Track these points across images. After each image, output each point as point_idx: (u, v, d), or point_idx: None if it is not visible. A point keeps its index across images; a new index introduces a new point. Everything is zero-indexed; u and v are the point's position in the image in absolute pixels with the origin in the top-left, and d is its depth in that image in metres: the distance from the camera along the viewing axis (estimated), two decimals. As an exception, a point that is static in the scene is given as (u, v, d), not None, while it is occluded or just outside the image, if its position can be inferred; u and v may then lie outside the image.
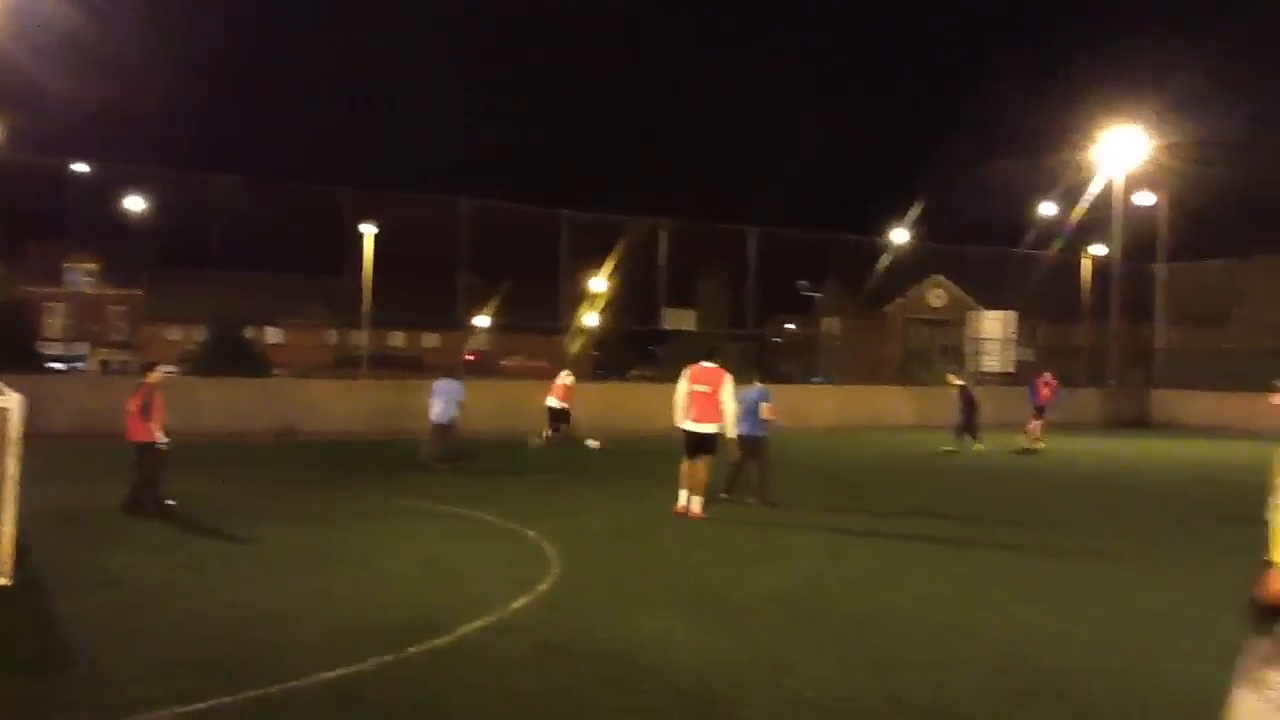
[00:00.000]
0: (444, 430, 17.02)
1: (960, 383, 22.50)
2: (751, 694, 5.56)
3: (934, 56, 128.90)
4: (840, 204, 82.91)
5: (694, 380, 11.89)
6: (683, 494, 11.92)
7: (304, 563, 8.78)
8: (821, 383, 33.93)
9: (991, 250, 36.10)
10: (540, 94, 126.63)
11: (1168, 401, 32.24)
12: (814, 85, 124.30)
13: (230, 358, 27.90)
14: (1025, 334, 35.39)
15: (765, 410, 12.82)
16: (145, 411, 10.98)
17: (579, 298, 36.59)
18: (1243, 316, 35.24)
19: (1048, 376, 23.26)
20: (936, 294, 47.14)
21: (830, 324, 40.13)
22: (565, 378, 22.14)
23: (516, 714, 5.20)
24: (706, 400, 11.78)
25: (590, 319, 39.98)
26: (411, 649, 6.13)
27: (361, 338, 32.81)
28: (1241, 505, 13.73)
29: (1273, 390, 11.87)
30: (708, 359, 12.09)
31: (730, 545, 10.25)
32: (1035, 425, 22.32)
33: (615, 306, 38.58)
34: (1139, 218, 34.93)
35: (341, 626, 6.66)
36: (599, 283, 38.11)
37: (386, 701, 5.31)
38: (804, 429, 25.52)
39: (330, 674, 5.63)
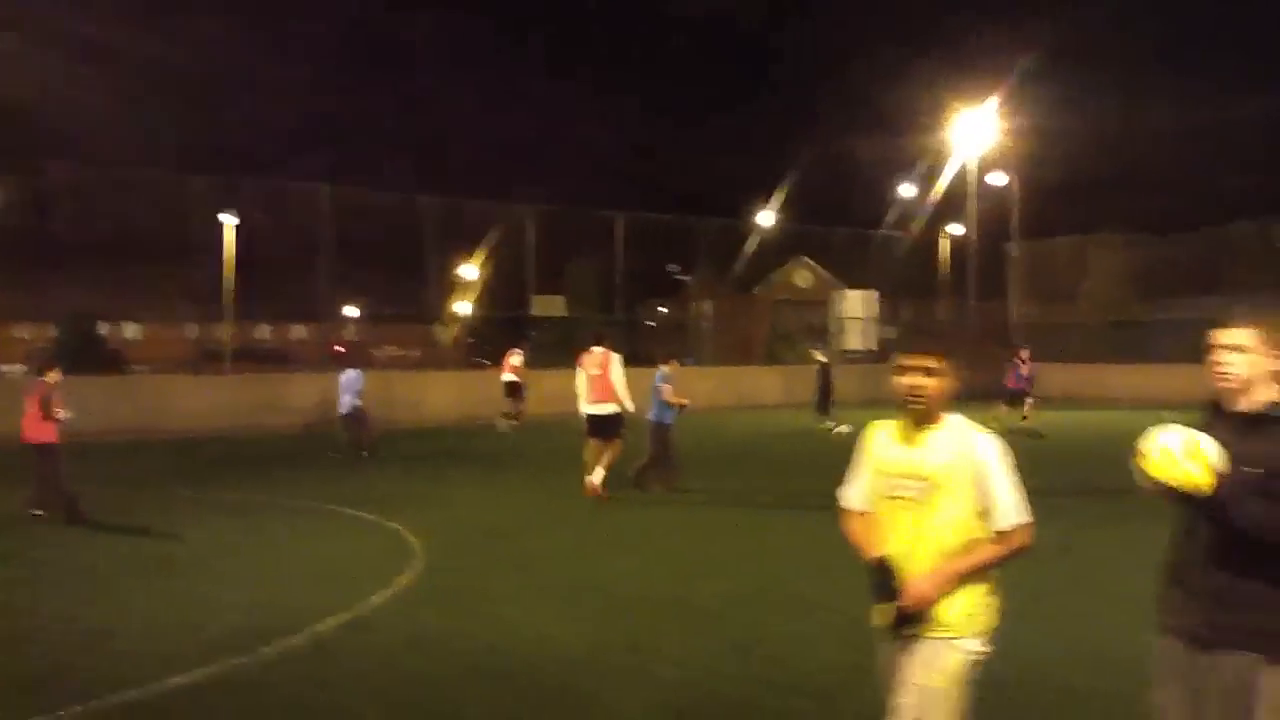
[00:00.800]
0: (347, 420, 17.23)
1: (823, 359, 22.73)
2: (614, 677, 5.64)
3: (796, 39, 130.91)
4: (709, 188, 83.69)
5: (587, 366, 12.37)
6: (597, 472, 12.01)
7: (153, 566, 8.52)
8: (693, 364, 34.30)
9: (854, 231, 37.02)
10: (407, 73, 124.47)
11: (1023, 374, 33.54)
12: (677, 71, 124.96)
13: (83, 355, 26.74)
14: (889, 312, 36.38)
15: (667, 392, 12.56)
16: (44, 411, 10.64)
17: (450, 286, 36.20)
18: (1089, 291, 37.01)
19: (1025, 354, 22.54)
20: (803, 275, 48.09)
21: (701, 307, 40.52)
22: (514, 356, 22.67)
23: (371, 710, 5.17)
24: (600, 382, 12.23)
25: (462, 307, 39.54)
26: (265, 649, 6.02)
27: (224, 331, 31.86)
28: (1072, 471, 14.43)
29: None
30: (596, 344, 12.53)
31: (604, 531, 10.34)
32: (1005, 410, 21.12)
33: (486, 294, 38.29)
34: (992, 197, 36.24)
35: (193, 630, 6.50)
36: (470, 270, 37.73)
37: (239, 705, 5.22)
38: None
39: (182, 679, 5.50)
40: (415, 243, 28.01)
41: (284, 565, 8.63)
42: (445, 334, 34.24)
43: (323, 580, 7.99)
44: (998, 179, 35.32)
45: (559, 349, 31.15)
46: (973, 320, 34.73)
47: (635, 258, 32.01)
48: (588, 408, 12.29)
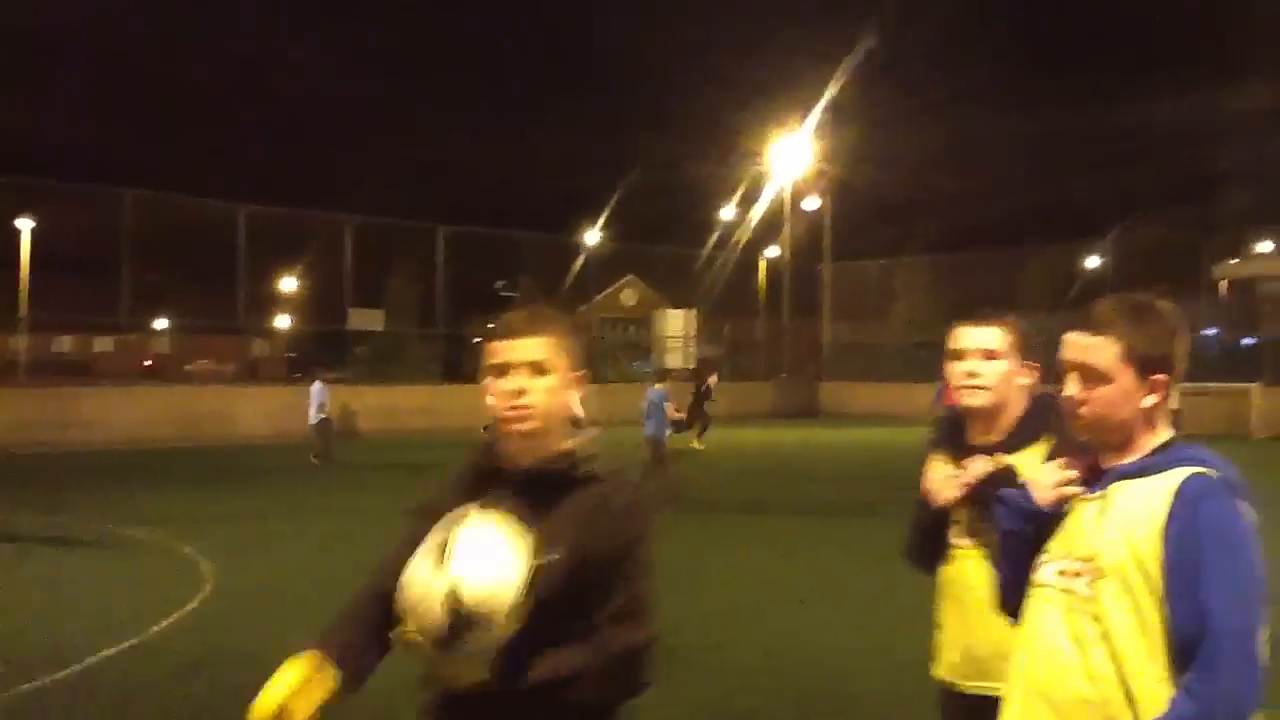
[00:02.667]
0: (315, 429, 18.42)
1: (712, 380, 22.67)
2: (404, 694, 5.59)
3: (623, 59, 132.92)
4: (536, 204, 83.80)
5: None
6: None
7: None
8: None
9: (678, 250, 37.78)
10: (226, 75, 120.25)
11: (834, 392, 34.90)
12: (511, 88, 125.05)
13: None
14: (711, 331, 37.25)
15: (671, 410, 13.76)
16: None
17: (267, 298, 35.16)
18: (898, 312, 38.82)
19: (714, 380, 23.26)
20: (629, 294, 48.76)
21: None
22: None
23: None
24: None
25: (281, 320, 38.47)
26: (24, 686, 5.74)
27: (19, 342, 30.13)
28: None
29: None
30: None
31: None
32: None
33: (304, 307, 37.35)
34: (808, 220, 37.64)
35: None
36: (289, 282, 36.78)
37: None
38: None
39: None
40: (230, 253, 27.05)
41: (63, 593, 8.25)
42: (262, 348, 33.19)
43: (107, 607, 7.69)
44: (812, 203, 36.72)
45: (378, 364, 30.69)
46: (785, 339, 36.00)
47: (459, 272, 31.82)
48: None
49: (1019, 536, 2.17)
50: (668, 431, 13.49)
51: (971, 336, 2.68)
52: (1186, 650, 1.88)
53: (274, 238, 28.62)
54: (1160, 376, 2.02)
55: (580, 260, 37.95)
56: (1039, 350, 2.63)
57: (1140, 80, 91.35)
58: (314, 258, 31.69)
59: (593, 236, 38.71)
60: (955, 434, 2.79)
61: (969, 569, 2.65)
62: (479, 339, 46.75)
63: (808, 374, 36.81)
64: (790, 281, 36.45)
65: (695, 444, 20.62)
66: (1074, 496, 2.08)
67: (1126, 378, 2.01)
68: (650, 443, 13.42)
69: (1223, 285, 33.20)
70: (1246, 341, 32.36)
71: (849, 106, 36.02)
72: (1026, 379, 2.70)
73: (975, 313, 2.73)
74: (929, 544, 2.76)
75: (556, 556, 1.95)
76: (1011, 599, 2.21)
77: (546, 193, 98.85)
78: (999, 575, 2.27)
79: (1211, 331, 33.62)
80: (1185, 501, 1.92)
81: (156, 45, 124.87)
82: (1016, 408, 2.68)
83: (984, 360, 2.65)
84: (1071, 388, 2.05)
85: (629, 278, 48.66)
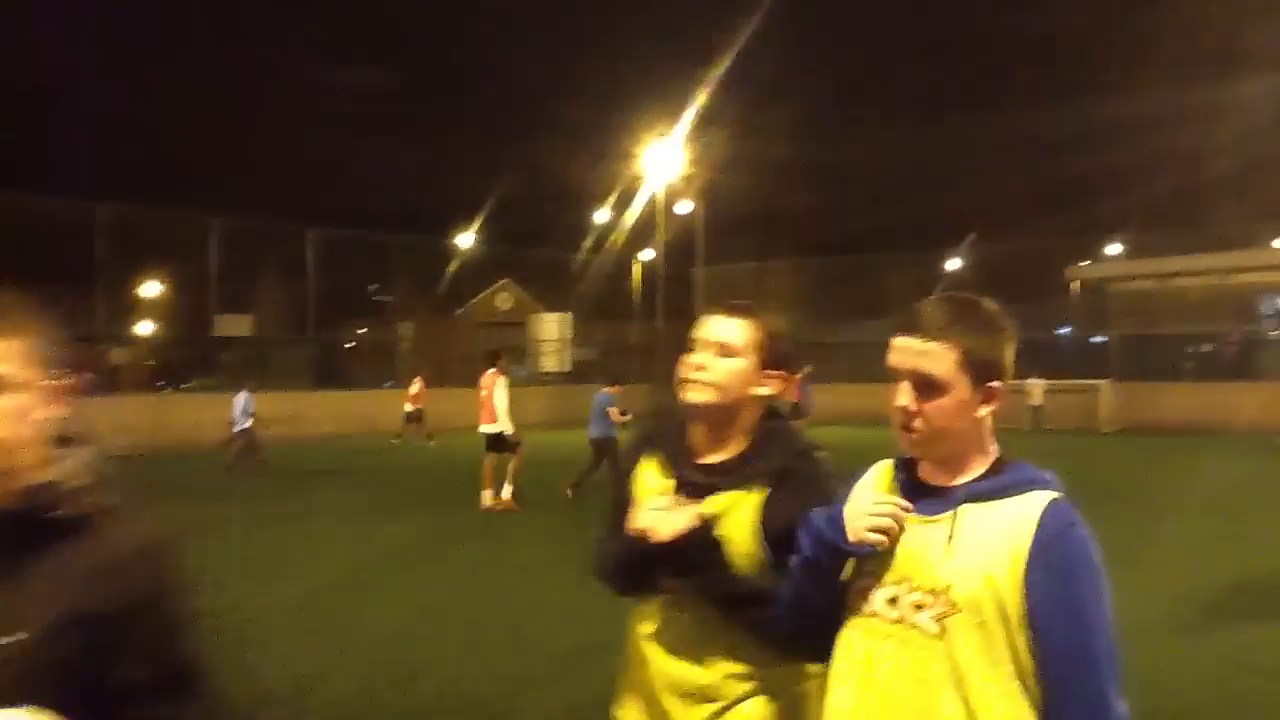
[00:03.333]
0: (239, 436, 18.82)
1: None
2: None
3: (501, 61, 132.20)
4: (410, 208, 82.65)
5: (481, 386, 13.27)
6: (485, 494, 12.97)
7: None
8: (393, 387, 33.88)
9: (553, 254, 37.89)
10: (80, 70, 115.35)
11: (710, 393, 35.32)
12: (383, 89, 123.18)
13: None
14: (585, 334, 37.46)
15: (614, 413, 14.08)
16: None
17: (127, 303, 33.94)
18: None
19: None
20: (504, 297, 48.59)
21: (401, 328, 40.08)
22: (417, 384, 25.25)
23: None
24: (486, 403, 13.13)
25: (144, 327, 37.13)
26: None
27: None
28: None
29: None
30: (490, 365, 13.30)
31: (255, 558, 10.02)
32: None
33: (168, 313, 36.18)
34: (682, 223, 38.15)
35: None
36: (151, 287, 35.57)
37: None
38: (379, 433, 25.46)
39: None
40: (88, 256, 26.00)
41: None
42: (119, 356, 32.01)
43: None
44: (685, 207, 37.26)
45: (248, 371, 29.93)
46: (660, 342, 36.43)
47: (331, 277, 31.28)
48: (482, 427, 13.26)
49: (817, 567, 1.93)
50: (614, 433, 14.04)
51: (712, 327, 2.34)
52: (1051, 691, 1.72)
53: (136, 240, 27.62)
54: (995, 385, 1.84)
55: (455, 264, 37.75)
56: (789, 360, 2.36)
57: (1003, 95, 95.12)
58: (178, 261, 30.71)
59: (467, 239, 38.54)
60: (677, 438, 2.42)
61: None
62: (350, 343, 46.03)
63: (683, 376, 37.20)
64: (664, 284, 36.92)
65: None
66: (887, 544, 1.84)
67: (963, 387, 1.82)
68: (594, 444, 14.02)
69: (1075, 286, 34.80)
70: (1097, 340, 34.07)
71: (720, 113, 36.64)
72: (766, 388, 2.33)
73: (726, 304, 2.39)
74: (637, 582, 2.38)
75: (21, 637, 1.45)
76: (806, 627, 2.00)
77: (420, 197, 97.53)
78: (787, 600, 2.03)
79: (1064, 331, 35.27)
80: (1050, 532, 1.74)
81: None
82: (748, 421, 2.33)
83: (717, 355, 2.30)
84: (904, 398, 1.84)
85: (504, 281, 48.51)
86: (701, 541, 2.16)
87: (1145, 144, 53.82)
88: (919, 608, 1.80)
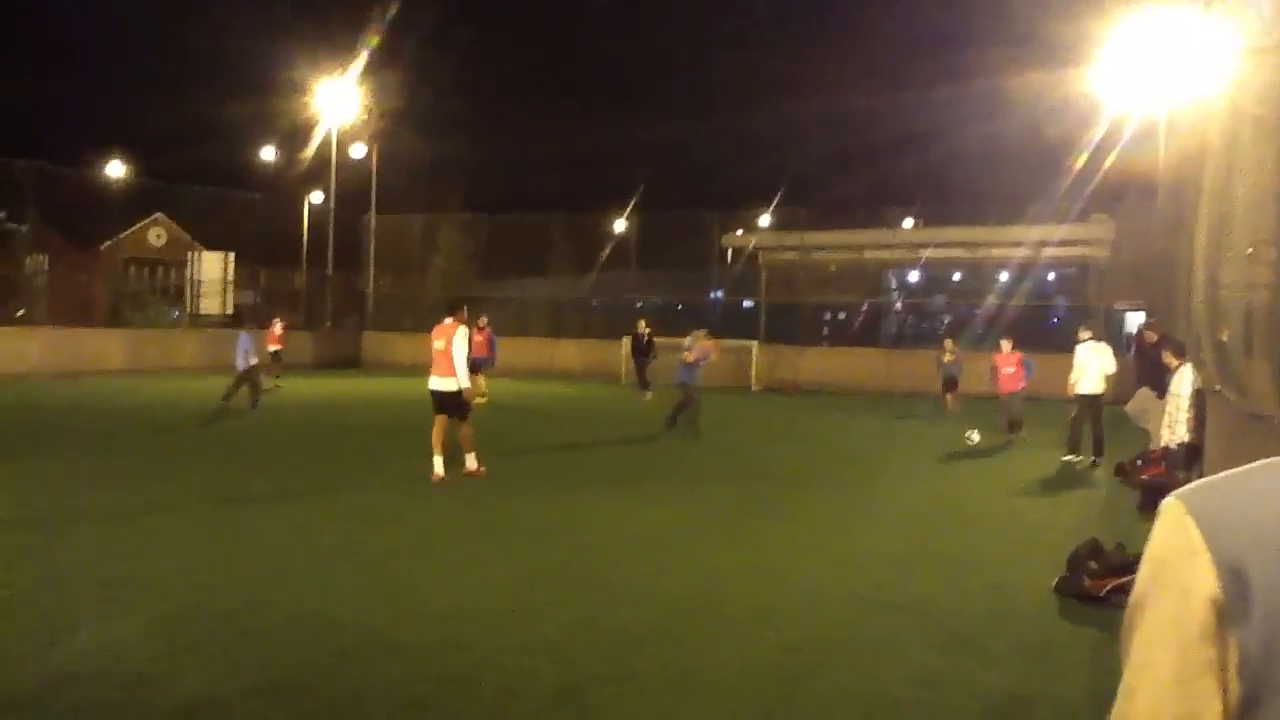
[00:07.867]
0: (244, 375, 18.73)
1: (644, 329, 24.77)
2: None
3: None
4: (52, 136, 74.49)
5: (434, 338, 11.41)
6: (437, 460, 11.27)
7: None
8: (22, 324, 31.01)
9: (214, 190, 35.86)
10: None
11: (378, 343, 35.02)
12: (29, 13, 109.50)
13: None
14: (247, 278, 35.87)
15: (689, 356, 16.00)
16: None
17: None
18: (437, 266, 39.69)
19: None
20: (156, 233, 45.37)
21: (34, 261, 36.55)
22: (278, 324, 24.77)
23: None
24: (442, 356, 11.25)
25: None
26: None
27: None
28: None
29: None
30: (449, 314, 11.49)
31: (147, 530, 9.33)
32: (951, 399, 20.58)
33: None
34: (355, 169, 37.23)
35: None
36: None
37: None
38: (5, 372, 23.52)
39: None
40: None
41: None
42: None
43: None
44: (359, 151, 36.41)
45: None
46: (329, 289, 35.60)
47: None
48: (432, 382, 11.37)
49: None
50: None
51: None
52: None
53: None
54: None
55: (97, 195, 34.89)
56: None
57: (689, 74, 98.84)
58: None
59: (115, 170, 35.72)
60: None
61: None
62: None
63: (352, 324, 36.61)
64: (334, 230, 35.95)
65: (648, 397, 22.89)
66: None
67: None
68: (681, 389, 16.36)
69: (729, 254, 37.01)
70: (747, 304, 36.69)
71: (399, 59, 36.07)
72: None
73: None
74: None
75: None
76: None
77: (64, 125, 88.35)
78: None
79: (717, 295, 37.72)
80: None
81: None
82: None
83: None
84: None
85: (156, 215, 45.25)
86: None
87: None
88: None
